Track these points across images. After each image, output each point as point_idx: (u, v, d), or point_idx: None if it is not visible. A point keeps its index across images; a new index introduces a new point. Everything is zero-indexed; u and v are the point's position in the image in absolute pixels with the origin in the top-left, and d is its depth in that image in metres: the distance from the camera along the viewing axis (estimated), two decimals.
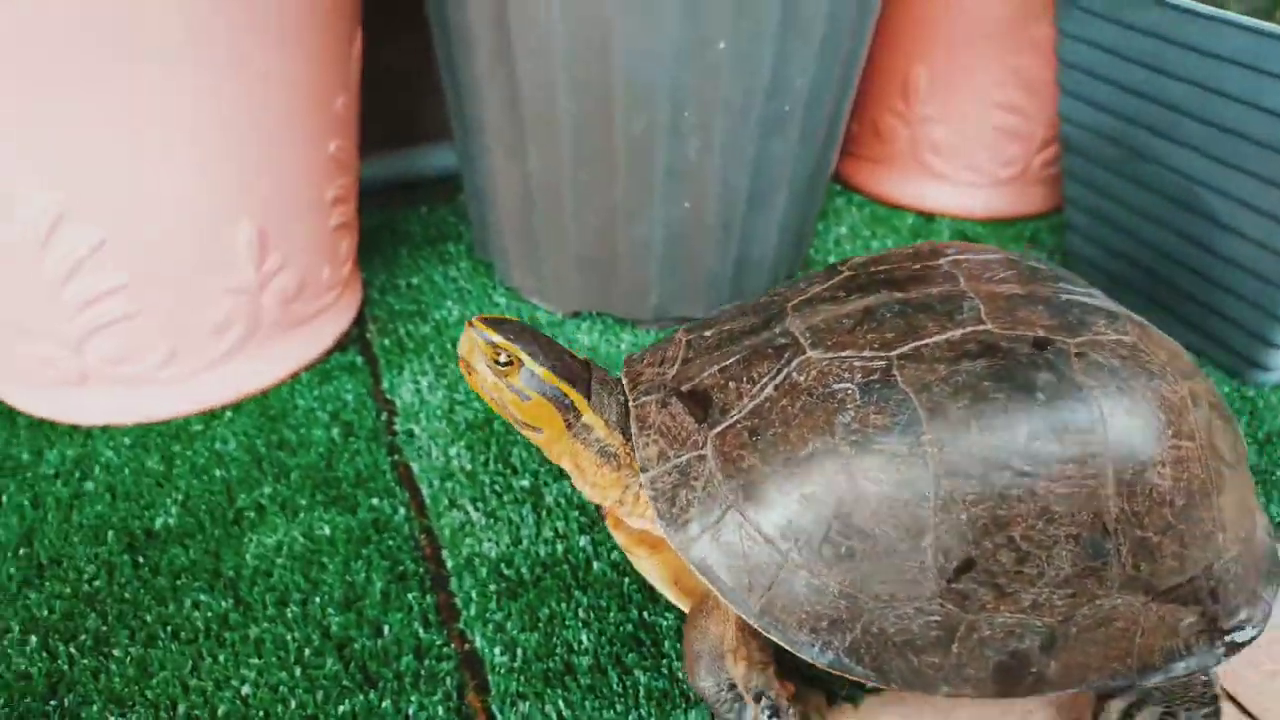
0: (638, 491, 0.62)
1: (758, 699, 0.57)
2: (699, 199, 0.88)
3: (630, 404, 0.62)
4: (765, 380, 0.57)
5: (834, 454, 0.53)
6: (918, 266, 0.62)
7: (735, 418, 0.56)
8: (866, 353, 0.55)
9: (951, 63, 1.11)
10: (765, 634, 0.53)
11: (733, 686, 0.56)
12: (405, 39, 1.11)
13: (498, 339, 0.59)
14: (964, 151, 1.17)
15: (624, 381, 0.64)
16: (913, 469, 0.52)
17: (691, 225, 0.91)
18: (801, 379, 0.55)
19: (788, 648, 0.53)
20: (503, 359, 0.59)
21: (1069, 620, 0.53)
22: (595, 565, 0.72)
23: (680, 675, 0.64)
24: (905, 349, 0.54)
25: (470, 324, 0.60)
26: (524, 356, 0.59)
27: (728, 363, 0.59)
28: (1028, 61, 1.07)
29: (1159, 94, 0.90)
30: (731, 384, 0.58)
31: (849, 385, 0.54)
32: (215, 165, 0.73)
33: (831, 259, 1.13)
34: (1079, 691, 0.54)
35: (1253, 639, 0.56)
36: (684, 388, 0.60)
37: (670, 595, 0.63)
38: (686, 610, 0.61)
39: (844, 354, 0.55)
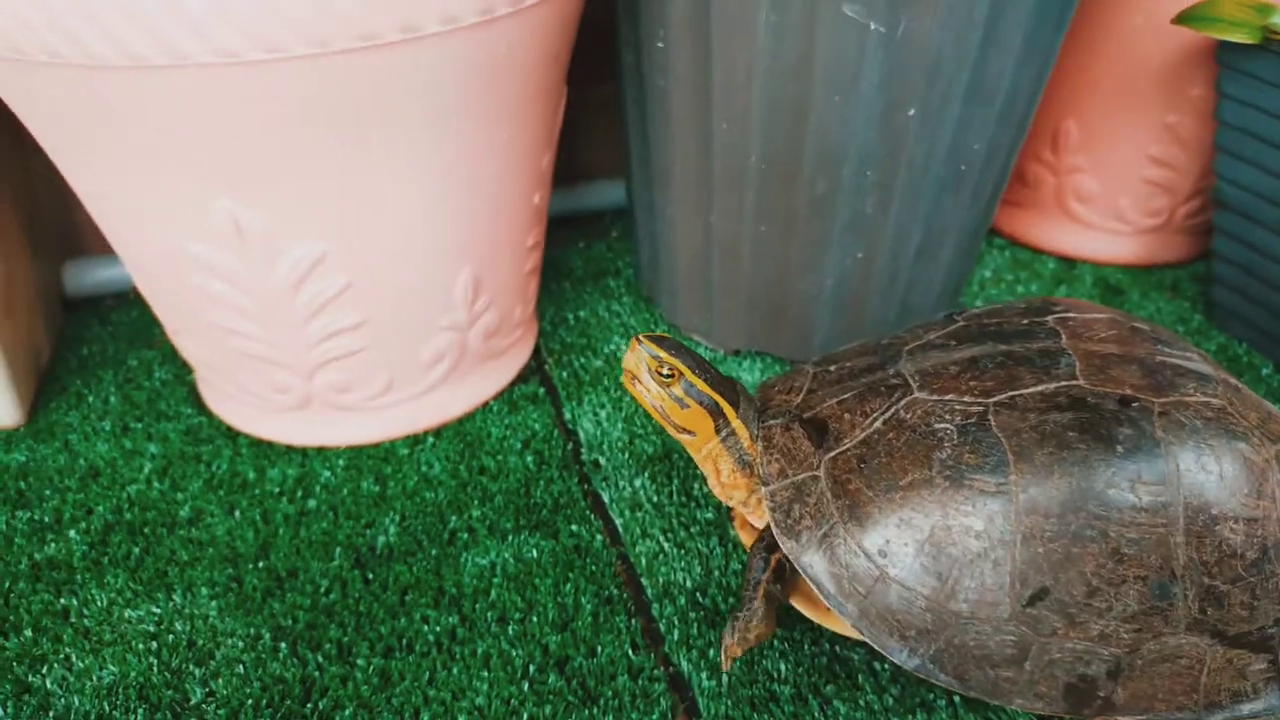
0: (761, 498, 0.69)
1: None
2: (871, 250, 0.93)
3: (758, 425, 0.70)
4: (876, 415, 0.64)
5: (930, 485, 0.60)
6: (1025, 322, 0.69)
7: (847, 445, 0.64)
8: (967, 398, 0.62)
9: (1104, 117, 1.14)
10: (860, 635, 0.60)
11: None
12: (571, 82, 1.17)
13: (662, 354, 0.68)
14: (1110, 201, 1.20)
15: (756, 403, 0.73)
16: (998, 504, 0.58)
17: (861, 274, 0.96)
18: (908, 416, 0.63)
19: (879, 649, 0.60)
20: (665, 371, 0.68)
21: (1134, 652, 0.58)
22: None
23: (876, 708, 0.69)
24: (1002, 397, 0.62)
25: (637, 340, 0.69)
26: (684, 369, 0.69)
27: (845, 396, 0.67)
28: (1184, 120, 1.10)
29: None
30: (846, 415, 0.66)
31: (949, 426, 0.61)
32: (447, 221, 0.80)
33: (979, 302, 1.17)
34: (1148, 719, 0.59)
35: None
36: (805, 415, 0.68)
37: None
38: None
39: (947, 397, 0.63)
